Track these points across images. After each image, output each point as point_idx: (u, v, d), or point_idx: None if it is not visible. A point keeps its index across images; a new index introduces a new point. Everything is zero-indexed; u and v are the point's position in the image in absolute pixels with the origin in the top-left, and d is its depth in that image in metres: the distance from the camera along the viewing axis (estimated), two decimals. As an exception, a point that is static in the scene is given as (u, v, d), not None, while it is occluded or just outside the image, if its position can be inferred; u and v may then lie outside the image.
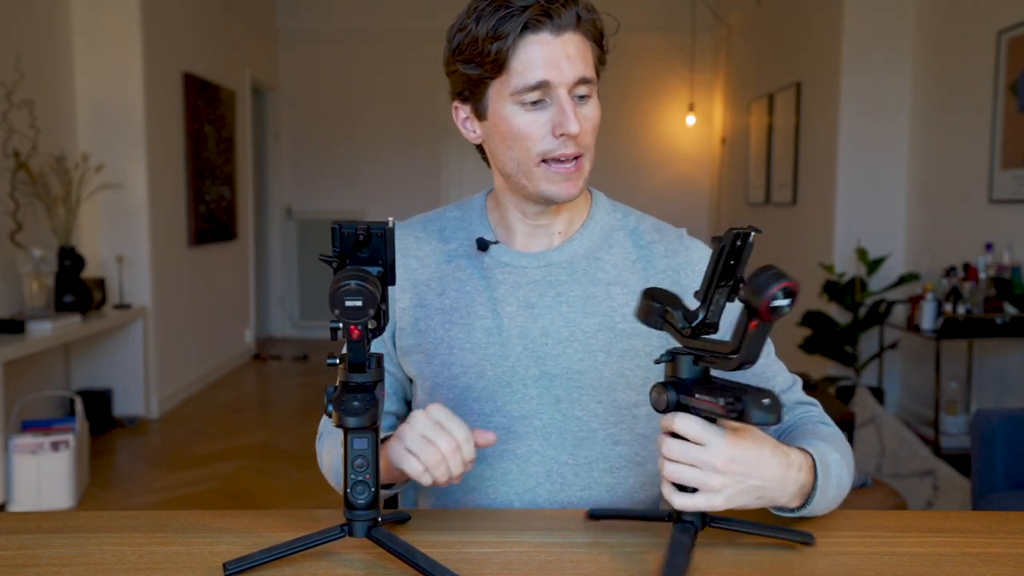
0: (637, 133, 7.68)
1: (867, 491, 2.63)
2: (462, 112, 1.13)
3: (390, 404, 1.20)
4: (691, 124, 7.56)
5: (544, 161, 1.07)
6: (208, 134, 5.62)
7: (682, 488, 0.90)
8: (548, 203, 1.11)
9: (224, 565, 0.88)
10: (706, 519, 0.92)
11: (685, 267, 1.15)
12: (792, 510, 0.98)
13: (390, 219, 0.90)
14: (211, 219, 5.70)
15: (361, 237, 0.87)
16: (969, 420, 3.83)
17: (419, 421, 0.97)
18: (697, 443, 0.88)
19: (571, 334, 1.12)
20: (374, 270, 0.88)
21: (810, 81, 5.33)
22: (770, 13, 6.15)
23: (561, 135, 1.04)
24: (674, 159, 7.71)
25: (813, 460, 0.98)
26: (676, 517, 0.92)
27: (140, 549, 0.95)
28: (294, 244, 7.64)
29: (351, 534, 0.89)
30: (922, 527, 1.03)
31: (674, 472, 0.89)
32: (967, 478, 3.27)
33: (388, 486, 1.07)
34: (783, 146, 5.76)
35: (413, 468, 0.96)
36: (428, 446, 0.96)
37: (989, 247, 3.81)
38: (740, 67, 6.89)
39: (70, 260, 4.12)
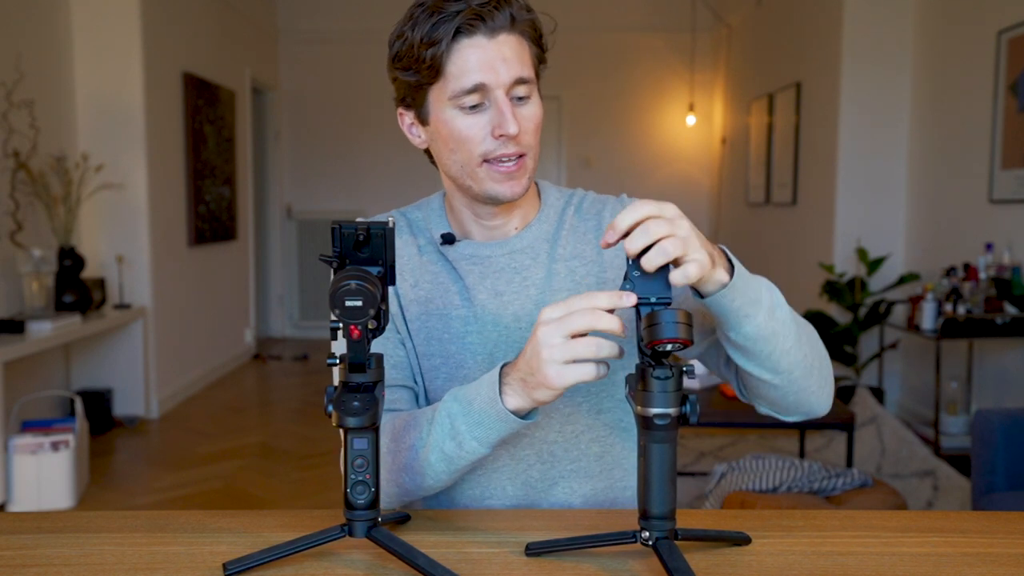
0: (637, 133, 7.68)
1: (867, 491, 2.63)
2: (407, 118, 1.15)
3: (406, 378, 1.16)
4: (691, 124, 7.56)
5: (487, 161, 1.08)
6: (208, 134, 5.62)
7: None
8: (495, 202, 1.11)
9: (224, 565, 0.88)
10: (676, 533, 0.89)
11: None
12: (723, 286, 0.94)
13: (390, 219, 0.90)
14: (211, 219, 5.70)
15: (361, 237, 0.87)
16: (969, 420, 3.84)
17: (548, 332, 0.90)
18: (657, 215, 0.87)
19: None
20: (374, 270, 0.88)
21: (810, 81, 5.33)
22: (770, 13, 6.15)
23: (501, 136, 1.05)
24: (674, 159, 7.71)
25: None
26: (650, 538, 0.88)
27: (140, 549, 0.95)
28: (294, 244, 7.64)
29: (351, 534, 0.89)
30: (922, 527, 1.03)
31: (670, 247, 0.85)
32: (967, 478, 3.28)
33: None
34: (783, 146, 5.76)
35: (587, 373, 0.91)
36: (577, 342, 0.90)
37: (989, 247, 3.81)
38: (740, 67, 6.89)
39: (70, 260, 4.13)
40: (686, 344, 0.85)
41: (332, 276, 0.86)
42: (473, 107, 1.06)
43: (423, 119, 1.12)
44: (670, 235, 0.86)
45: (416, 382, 1.17)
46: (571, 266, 1.16)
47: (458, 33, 1.03)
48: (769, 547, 0.96)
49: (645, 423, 0.87)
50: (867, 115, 4.80)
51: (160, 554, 0.94)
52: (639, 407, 0.87)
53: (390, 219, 0.90)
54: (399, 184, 7.48)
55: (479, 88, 1.04)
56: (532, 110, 1.08)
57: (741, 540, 0.96)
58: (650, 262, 0.86)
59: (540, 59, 1.11)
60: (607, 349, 0.91)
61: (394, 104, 1.17)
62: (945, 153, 4.44)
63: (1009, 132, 3.85)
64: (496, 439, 1.01)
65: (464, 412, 1.00)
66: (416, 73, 1.07)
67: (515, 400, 0.97)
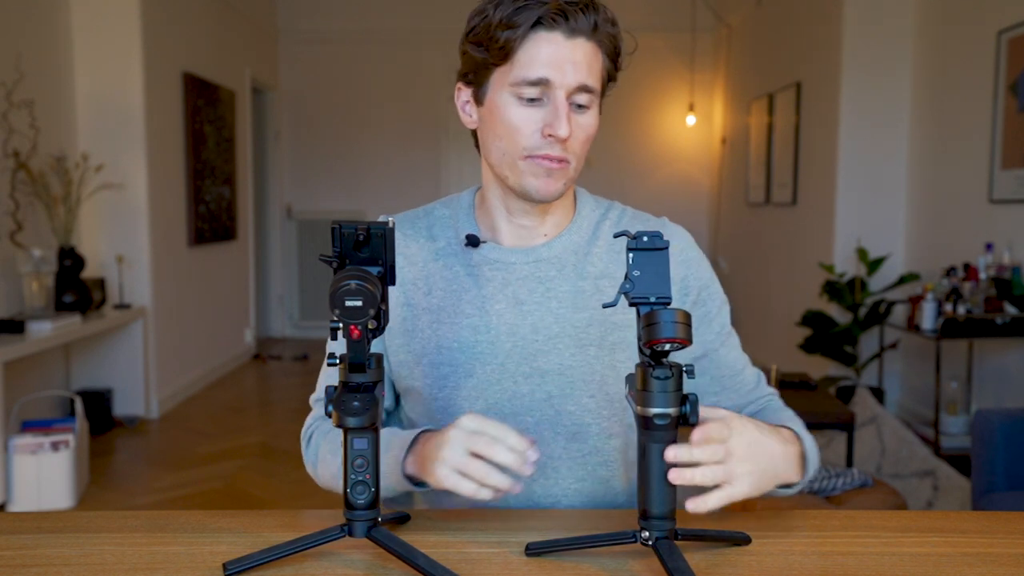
0: (637, 133, 7.67)
1: (867, 491, 2.63)
2: (464, 95, 1.14)
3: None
4: (691, 124, 7.56)
5: (529, 156, 1.07)
6: (208, 134, 5.62)
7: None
8: (528, 199, 1.10)
9: (224, 565, 0.88)
10: (676, 533, 0.90)
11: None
12: (791, 484, 1.03)
13: (390, 219, 0.91)
14: (211, 219, 5.70)
15: (361, 237, 0.87)
16: (969, 420, 3.84)
17: (456, 437, 0.96)
18: (720, 441, 0.90)
19: (561, 330, 1.12)
20: (374, 270, 0.88)
21: (810, 81, 5.33)
22: (770, 13, 6.15)
23: (549, 136, 1.04)
24: (674, 159, 7.71)
25: (793, 431, 1.05)
26: (650, 538, 0.89)
27: (140, 549, 0.95)
28: (294, 244, 7.64)
29: (351, 534, 0.89)
30: (922, 527, 1.03)
31: (706, 475, 0.89)
32: (967, 478, 3.28)
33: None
34: (783, 146, 5.76)
35: (466, 488, 0.95)
36: (473, 460, 0.95)
37: (989, 247, 3.81)
38: (740, 67, 6.89)
39: (70, 260, 4.12)
40: (684, 344, 0.85)
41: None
42: (531, 100, 1.05)
43: (480, 99, 1.10)
44: (713, 463, 0.89)
45: (395, 400, 1.21)
46: (600, 285, 1.14)
47: (538, 24, 1.03)
48: (769, 547, 0.96)
49: (645, 423, 0.87)
50: (867, 115, 4.80)
51: (160, 554, 0.94)
52: (639, 407, 0.87)
53: (390, 219, 0.91)
54: (399, 184, 7.48)
55: (542, 82, 1.04)
56: (588, 120, 1.08)
57: (741, 540, 0.96)
58: (678, 477, 0.88)
59: (611, 76, 1.10)
60: (493, 479, 0.94)
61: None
62: (945, 153, 4.44)
63: (1009, 132, 3.85)
64: (392, 492, 1.08)
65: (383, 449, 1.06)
66: (486, 51, 1.06)
67: (413, 468, 1.03)
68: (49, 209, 4.10)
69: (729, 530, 0.97)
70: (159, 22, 4.86)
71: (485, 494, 0.95)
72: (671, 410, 0.86)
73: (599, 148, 7.80)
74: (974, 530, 1.02)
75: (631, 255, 0.89)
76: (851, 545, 0.97)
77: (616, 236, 0.95)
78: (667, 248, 0.89)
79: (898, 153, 4.79)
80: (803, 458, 1.03)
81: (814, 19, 5.26)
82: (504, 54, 1.05)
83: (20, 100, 3.96)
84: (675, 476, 0.87)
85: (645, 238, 0.89)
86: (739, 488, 0.91)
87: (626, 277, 0.88)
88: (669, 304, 0.87)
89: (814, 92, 5.25)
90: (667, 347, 0.85)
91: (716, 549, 0.95)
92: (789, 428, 1.06)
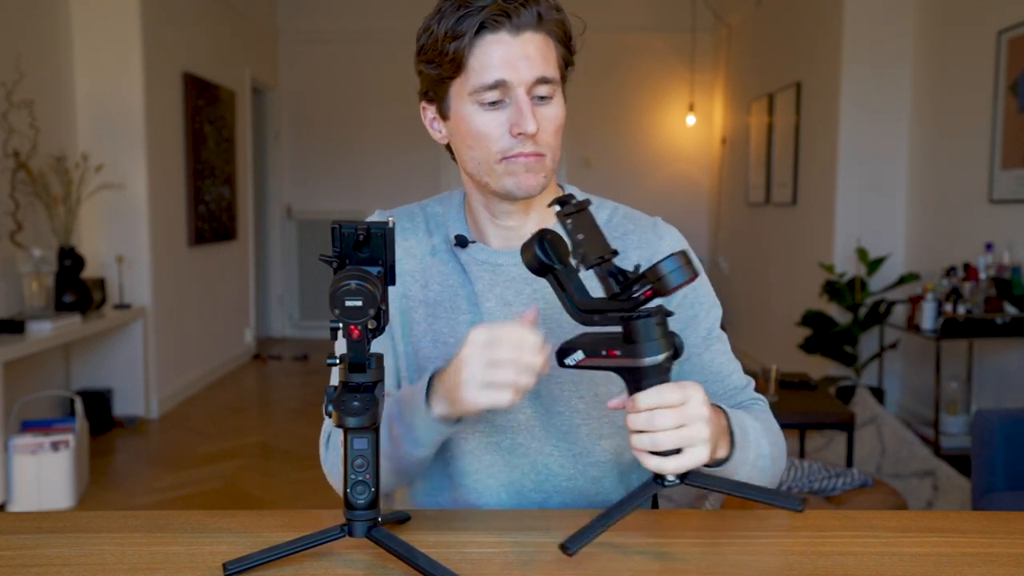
0: (637, 133, 7.68)
1: (867, 491, 2.63)
2: (429, 112, 1.14)
3: (390, 386, 1.18)
4: (691, 124, 7.56)
5: (505, 159, 1.07)
6: (208, 134, 5.62)
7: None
8: (511, 199, 1.10)
9: (224, 565, 0.88)
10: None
11: (658, 255, 1.14)
12: (719, 462, 1.01)
13: (390, 219, 0.90)
14: (211, 219, 5.70)
15: (361, 237, 0.88)
16: (969, 420, 3.84)
17: (473, 354, 0.95)
18: (678, 405, 0.90)
19: (548, 331, 1.11)
20: (374, 270, 0.88)
21: (810, 81, 5.33)
22: (770, 13, 6.15)
23: (519, 134, 1.04)
24: (674, 159, 7.71)
25: (722, 409, 1.03)
26: (656, 477, 0.92)
27: (140, 549, 0.95)
28: (294, 244, 7.64)
29: (351, 534, 0.89)
30: (922, 527, 1.03)
31: (665, 440, 0.89)
32: (967, 478, 3.28)
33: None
34: (783, 146, 5.76)
35: (501, 399, 0.94)
36: (498, 369, 0.94)
37: (989, 247, 3.81)
38: (740, 67, 6.89)
39: (70, 260, 4.13)
40: (694, 278, 0.88)
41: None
42: (493, 103, 1.05)
43: (444, 114, 1.11)
44: (672, 428, 0.89)
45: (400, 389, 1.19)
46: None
47: (483, 28, 1.03)
48: (769, 547, 0.96)
49: (644, 373, 0.90)
50: (867, 115, 4.80)
51: (160, 554, 0.94)
52: (632, 359, 0.89)
53: (390, 219, 0.91)
54: (399, 184, 7.48)
55: (500, 85, 1.04)
56: (553, 111, 1.07)
57: (792, 507, 0.92)
58: (639, 442, 0.90)
59: (567, 61, 1.11)
60: (525, 377, 0.94)
61: (417, 98, 1.15)
62: (945, 153, 4.44)
63: (1009, 132, 3.85)
64: (429, 442, 1.04)
65: (399, 414, 1.04)
66: (439, 67, 1.06)
67: (441, 407, 1.00)
68: (49, 209, 4.10)
69: (780, 497, 0.93)
70: (159, 22, 4.87)
71: (517, 398, 0.95)
72: (667, 353, 0.89)
73: (599, 148, 7.82)
74: (974, 530, 1.02)
75: (568, 220, 0.92)
76: (851, 545, 0.97)
77: (549, 205, 0.97)
78: (588, 205, 0.93)
79: (898, 153, 4.79)
80: (729, 431, 1.01)
81: (814, 19, 5.26)
82: (456, 65, 1.05)
83: (20, 100, 3.96)
84: (636, 441, 0.90)
85: (572, 200, 0.93)
86: (701, 453, 0.90)
87: (574, 242, 0.91)
88: (617, 254, 0.91)
89: (814, 92, 5.25)
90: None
91: (716, 549, 0.95)
92: (720, 408, 1.03)
